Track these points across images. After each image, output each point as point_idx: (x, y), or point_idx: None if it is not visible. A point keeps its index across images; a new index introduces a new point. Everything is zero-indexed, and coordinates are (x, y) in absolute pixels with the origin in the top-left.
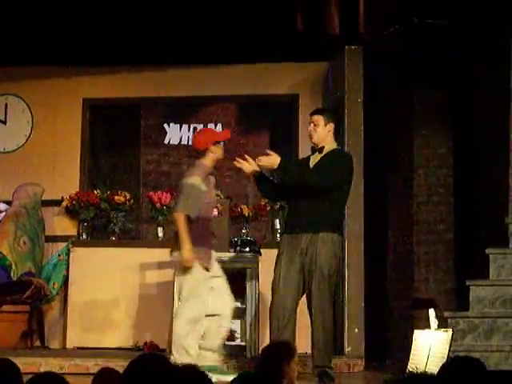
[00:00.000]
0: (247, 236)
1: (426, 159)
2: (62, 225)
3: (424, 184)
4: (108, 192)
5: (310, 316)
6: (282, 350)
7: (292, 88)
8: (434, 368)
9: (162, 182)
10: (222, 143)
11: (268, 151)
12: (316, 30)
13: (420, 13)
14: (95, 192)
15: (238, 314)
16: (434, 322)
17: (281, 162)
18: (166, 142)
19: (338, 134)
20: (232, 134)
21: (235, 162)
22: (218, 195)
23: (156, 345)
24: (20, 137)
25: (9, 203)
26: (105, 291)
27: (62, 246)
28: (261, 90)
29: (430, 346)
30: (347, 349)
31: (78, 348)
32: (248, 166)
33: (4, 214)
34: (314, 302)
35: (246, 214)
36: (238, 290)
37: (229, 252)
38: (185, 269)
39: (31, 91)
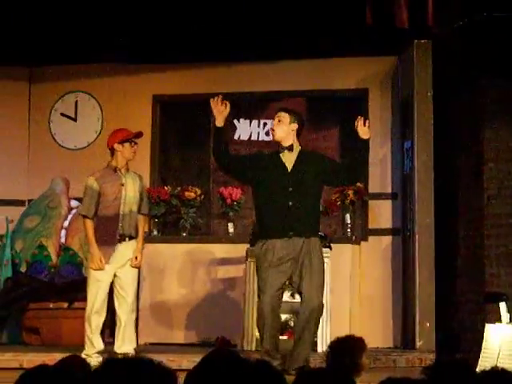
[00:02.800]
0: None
1: (496, 152)
2: None
3: (494, 177)
4: (178, 188)
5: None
6: (349, 344)
7: (361, 82)
8: (505, 362)
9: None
10: (132, 143)
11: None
12: (385, 24)
13: (488, 6)
14: (166, 188)
15: None
16: (505, 315)
17: (223, 127)
18: (235, 137)
19: (300, 137)
20: (302, 129)
21: (211, 100)
22: None
23: (228, 340)
24: (90, 134)
25: (80, 200)
26: (176, 287)
27: None
28: (330, 85)
29: (501, 340)
30: (418, 343)
31: (150, 344)
32: (224, 110)
33: (75, 210)
34: (311, 312)
35: None
36: None
37: None
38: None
39: (101, 88)
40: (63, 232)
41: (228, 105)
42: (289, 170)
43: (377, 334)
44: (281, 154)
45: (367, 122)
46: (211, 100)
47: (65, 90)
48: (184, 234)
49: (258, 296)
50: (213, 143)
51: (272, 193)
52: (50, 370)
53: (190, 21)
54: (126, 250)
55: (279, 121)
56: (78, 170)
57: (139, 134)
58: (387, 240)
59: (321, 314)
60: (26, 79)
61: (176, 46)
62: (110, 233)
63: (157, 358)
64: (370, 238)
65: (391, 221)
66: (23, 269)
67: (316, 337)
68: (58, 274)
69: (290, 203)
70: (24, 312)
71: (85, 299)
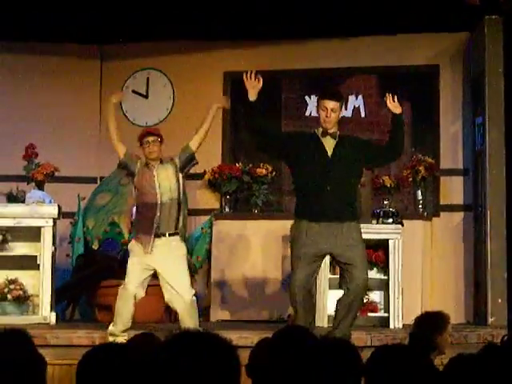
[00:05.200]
0: (389, 207)
1: None
2: (204, 198)
3: None
4: (250, 165)
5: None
6: (435, 320)
7: (432, 59)
8: None
9: None
10: (145, 144)
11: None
12: (455, 0)
13: None
14: (237, 165)
15: (381, 285)
16: None
17: (256, 100)
18: (307, 114)
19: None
20: (373, 106)
21: (244, 75)
22: None
23: None
24: (162, 111)
25: None
26: (248, 264)
27: (204, 219)
28: (401, 61)
29: None
30: (490, 319)
31: (222, 321)
32: (256, 84)
33: None
34: (356, 293)
35: (388, 185)
36: (381, 261)
37: (371, 223)
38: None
39: (173, 65)
40: (135, 209)
41: (261, 79)
42: (329, 156)
43: (449, 309)
44: (323, 139)
45: (395, 97)
46: (244, 75)
47: (136, 67)
48: (255, 211)
49: (292, 278)
50: (248, 119)
51: (311, 177)
52: (116, 349)
53: None
54: (165, 248)
55: (333, 111)
56: None
57: (145, 134)
58: (459, 216)
59: (365, 293)
60: (97, 57)
61: (247, 23)
62: (148, 220)
63: (230, 334)
64: (442, 214)
65: (463, 197)
66: (95, 246)
67: (357, 317)
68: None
69: (328, 188)
70: (96, 289)
71: (156, 276)
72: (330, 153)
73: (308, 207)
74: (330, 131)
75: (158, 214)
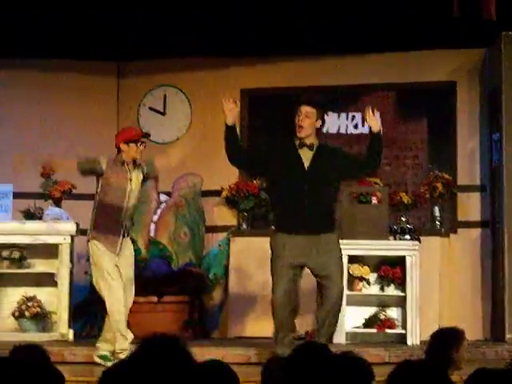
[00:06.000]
0: (407, 223)
1: None
2: (221, 215)
3: None
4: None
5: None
6: (451, 336)
7: (449, 75)
8: None
9: None
10: (138, 143)
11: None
12: (472, 15)
13: None
14: (254, 182)
15: (398, 301)
16: None
17: (233, 125)
18: (324, 130)
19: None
20: (391, 122)
21: (222, 99)
22: (376, 183)
23: None
24: (179, 128)
25: (169, 194)
26: (265, 280)
27: (222, 236)
28: (418, 78)
29: None
30: (508, 335)
31: (239, 337)
32: (233, 108)
33: (164, 205)
34: (331, 305)
35: (406, 202)
36: (398, 278)
37: (388, 240)
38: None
39: (190, 82)
40: (152, 226)
41: (238, 103)
42: (306, 169)
43: (466, 326)
44: (300, 151)
45: (375, 112)
46: (222, 99)
47: (153, 84)
48: (273, 228)
49: (272, 291)
50: (225, 142)
51: (288, 190)
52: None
53: (277, 14)
54: (125, 247)
55: (307, 116)
56: (166, 164)
57: (146, 135)
58: (476, 232)
59: (341, 302)
60: (114, 74)
61: (264, 40)
62: (113, 222)
63: (248, 351)
64: (459, 231)
65: (480, 213)
66: None
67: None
68: (147, 267)
69: (305, 201)
70: None
71: (174, 293)
72: (306, 165)
73: (286, 220)
74: (307, 142)
75: (123, 215)
